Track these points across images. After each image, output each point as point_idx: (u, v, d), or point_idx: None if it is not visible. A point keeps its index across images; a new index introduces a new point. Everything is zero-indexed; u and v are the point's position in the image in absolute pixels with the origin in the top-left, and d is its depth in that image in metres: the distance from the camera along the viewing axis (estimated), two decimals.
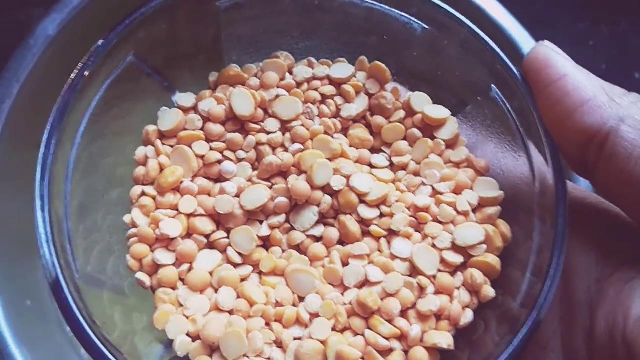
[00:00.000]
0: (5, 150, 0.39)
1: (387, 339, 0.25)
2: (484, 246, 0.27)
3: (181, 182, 0.28)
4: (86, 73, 0.26)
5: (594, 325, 0.24)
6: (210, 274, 0.27)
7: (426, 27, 0.29)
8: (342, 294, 0.27)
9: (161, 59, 0.30)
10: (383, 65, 0.30)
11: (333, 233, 0.28)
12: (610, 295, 0.24)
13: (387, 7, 0.30)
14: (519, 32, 0.41)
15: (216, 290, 0.27)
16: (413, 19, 0.30)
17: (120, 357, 0.23)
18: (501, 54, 0.27)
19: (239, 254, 0.28)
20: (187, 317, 0.26)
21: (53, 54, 0.39)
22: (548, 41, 0.26)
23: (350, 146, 0.30)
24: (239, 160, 0.29)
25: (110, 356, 0.23)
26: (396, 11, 0.30)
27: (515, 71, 0.27)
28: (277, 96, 0.30)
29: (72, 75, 0.26)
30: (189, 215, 0.28)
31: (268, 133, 0.30)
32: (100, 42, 0.26)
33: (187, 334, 0.26)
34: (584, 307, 0.25)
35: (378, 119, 0.30)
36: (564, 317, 0.26)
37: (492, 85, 0.28)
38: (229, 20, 0.31)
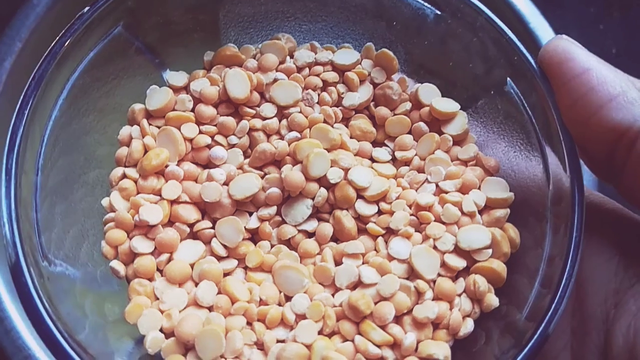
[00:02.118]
0: (5, 110, 0.37)
1: (378, 346, 0.23)
2: (490, 251, 0.25)
3: (166, 166, 0.26)
4: (68, 41, 0.24)
5: (611, 341, 0.23)
6: (192, 266, 0.25)
7: (439, 13, 0.27)
8: (333, 295, 0.25)
9: (153, 34, 0.28)
10: (391, 54, 0.29)
11: (327, 229, 0.26)
12: (630, 309, 0.22)
13: None
14: (530, 9, 0.38)
15: (196, 284, 0.25)
16: (425, 3, 0.28)
17: (84, 355, 0.21)
18: (519, 44, 0.26)
19: (224, 246, 0.26)
20: (162, 312, 0.24)
21: (57, 13, 0.38)
22: (566, 35, 0.25)
23: (351, 137, 0.28)
24: (231, 146, 0.28)
25: (70, 351, 0.21)
26: None
27: (534, 64, 0.25)
28: (275, 80, 0.28)
29: (53, 43, 0.24)
30: (172, 202, 0.26)
31: (263, 119, 0.28)
32: (86, 9, 0.25)
33: (161, 330, 0.24)
34: (599, 321, 0.23)
35: (382, 110, 0.29)
36: (575, 331, 0.24)
37: (508, 79, 0.26)
38: None
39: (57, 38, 0.24)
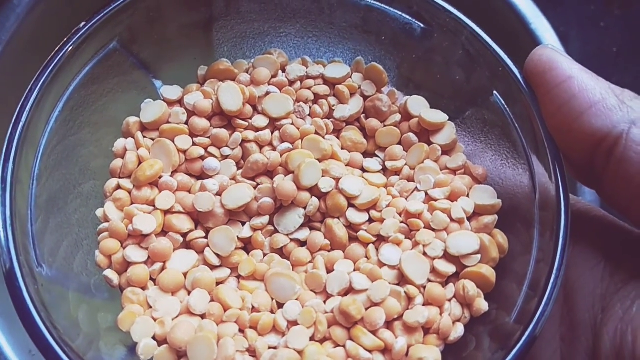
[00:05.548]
0: None
1: (369, 351, 0.23)
2: (479, 256, 0.25)
3: (160, 177, 0.27)
4: (65, 54, 0.25)
5: (599, 345, 0.23)
6: (185, 275, 0.26)
7: (426, 27, 0.28)
8: (324, 301, 0.25)
9: (148, 50, 0.29)
10: (380, 67, 0.29)
11: (318, 237, 0.27)
12: (617, 313, 0.23)
13: (386, 6, 0.29)
14: (531, 10, 0.38)
15: (189, 293, 0.25)
16: (413, 19, 0.28)
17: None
18: (504, 56, 0.26)
19: (217, 255, 0.26)
20: (155, 319, 0.24)
21: (38, 15, 0.36)
22: (552, 44, 0.25)
23: (342, 148, 0.29)
24: (224, 157, 0.28)
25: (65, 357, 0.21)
26: (396, 11, 0.29)
27: (518, 74, 0.26)
28: (268, 93, 0.28)
29: (50, 56, 0.24)
30: (166, 212, 0.26)
31: (256, 130, 0.28)
32: (82, 24, 0.25)
33: (154, 337, 0.24)
34: (588, 326, 0.24)
35: (372, 122, 0.29)
36: (564, 336, 0.25)
37: (494, 90, 0.27)
38: (222, 13, 0.30)
39: (54, 51, 0.24)
